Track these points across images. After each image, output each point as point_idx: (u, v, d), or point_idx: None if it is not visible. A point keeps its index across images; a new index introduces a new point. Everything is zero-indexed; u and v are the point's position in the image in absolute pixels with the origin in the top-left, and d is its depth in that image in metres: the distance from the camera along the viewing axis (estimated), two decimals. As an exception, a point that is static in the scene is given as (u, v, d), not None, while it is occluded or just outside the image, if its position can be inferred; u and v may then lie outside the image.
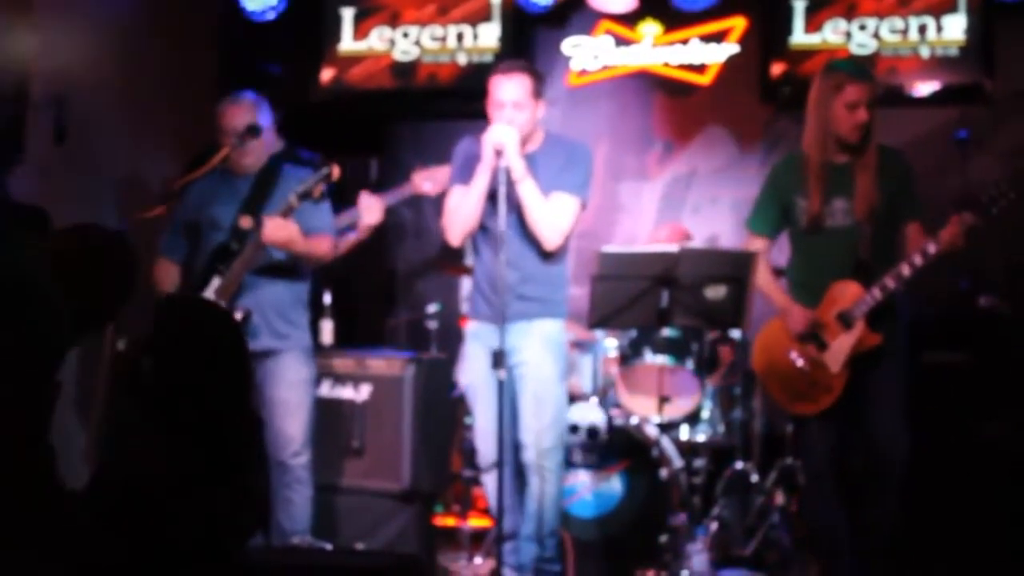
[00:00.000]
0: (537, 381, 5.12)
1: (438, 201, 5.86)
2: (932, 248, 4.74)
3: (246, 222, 5.28)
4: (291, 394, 5.36)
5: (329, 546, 5.35)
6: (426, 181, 6.06)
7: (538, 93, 5.15)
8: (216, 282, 5.30)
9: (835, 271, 4.96)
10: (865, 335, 4.88)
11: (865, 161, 4.94)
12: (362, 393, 5.93)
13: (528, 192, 5.03)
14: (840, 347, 4.90)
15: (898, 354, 4.96)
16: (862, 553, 4.91)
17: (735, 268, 5.03)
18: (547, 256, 5.15)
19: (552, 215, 5.08)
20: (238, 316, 5.24)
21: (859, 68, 5.15)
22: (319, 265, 5.49)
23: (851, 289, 4.91)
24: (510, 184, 4.98)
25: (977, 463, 5.53)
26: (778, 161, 5.32)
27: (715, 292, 4.97)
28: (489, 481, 5.21)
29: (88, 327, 3.03)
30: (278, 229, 5.16)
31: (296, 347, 5.41)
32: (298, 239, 5.22)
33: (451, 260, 6.52)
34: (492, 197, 5.00)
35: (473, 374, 5.27)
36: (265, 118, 5.48)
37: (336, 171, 5.19)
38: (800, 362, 5.00)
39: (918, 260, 4.76)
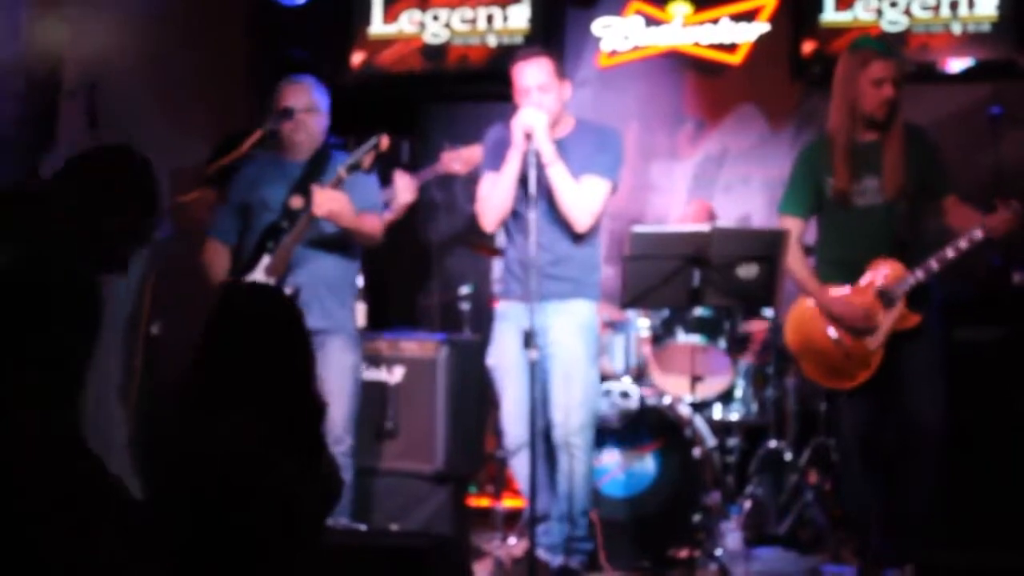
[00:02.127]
0: (567, 360, 5.12)
1: (468, 180, 5.87)
2: (979, 234, 4.75)
3: (297, 202, 5.27)
4: (335, 381, 5.30)
5: (364, 527, 5.37)
6: (455, 161, 6.07)
7: (561, 74, 5.16)
8: (266, 260, 5.29)
9: (870, 249, 4.97)
10: (905, 314, 4.89)
11: (892, 139, 4.94)
12: (395, 375, 5.95)
13: (558, 175, 5.03)
14: (881, 325, 4.91)
15: (933, 332, 4.96)
16: (899, 530, 4.90)
17: (767, 247, 5.02)
18: (578, 238, 5.15)
19: (582, 198, 5.09)
20: (288, 292, 5.24)
21: (885, 45, 5.15)
22: (370, 244, 5.47)
23: (893, 267, 4.91)
24: (540, 168, 4.98)
25: (1012, 437, 5.50)
26: (805, 143, 5.33)
27: (747, 271, 4.96)
28: (517, 463, 5.21)
29: (120, 250, 3.05)
30: (329, 200, 5.12)
31: (343, 331, 5.37)
32: (348, 210, 5.18)
33: (481, 239, 6.52)
34: (523, 181, 5.00)
35: (503, 355, 5.26)
36: (322, 102, 5.49)
37: (385, 141, 5.17)
38: (837, 337, 4.99)
39: (964, 244, 4.78)
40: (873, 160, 4.96)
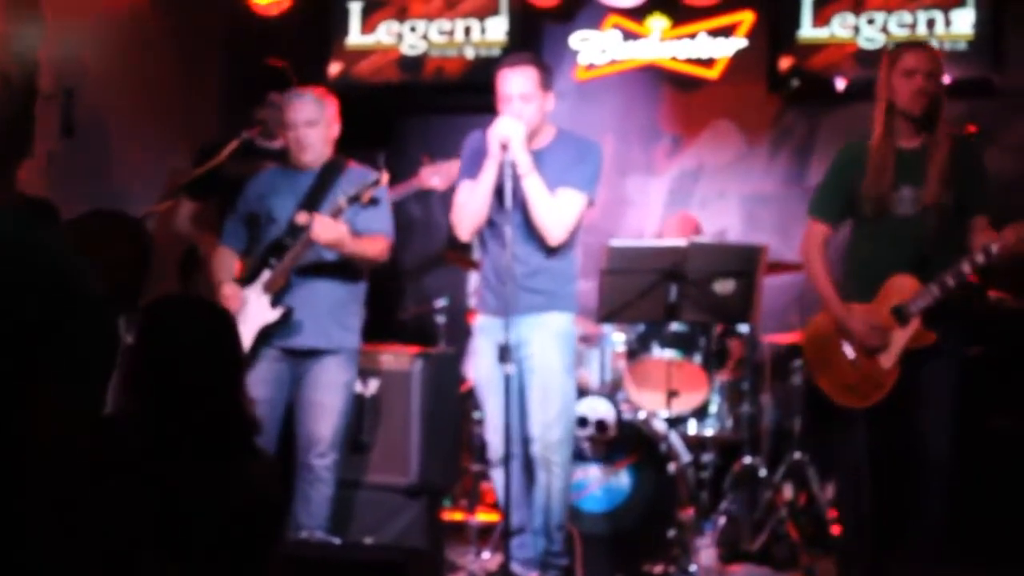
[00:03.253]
0: (545, 374, 5.10)
1: (446, 195, 5.85)
2: (995, 248, 4.56)
3: (303, 218, 5.27)
4: (326, 397, 5.34)
5: (337, 540, 5.35)
6: (434, 176, 6.05)
7: (546, 84, 5.12)
8: (266, 275, 5.33)
9: (896, 262, 4.79)
10: (920, 332, 4.73)
11: (937, 145, 4.78)
12: (370, 387, 5.92)
13: (533, 187, 4.99)
14: (894, 343, 4.77)
15: (950, 354, 4.80)
16: (908, 554, 4.80)
17: (743, 262, 5.02)
18: (552, 250, 5.11)
19: (556, 210, 5.05)
20: (278, 313, 5.27)
21: (916, 41, 5.07)
22: (374, 265, 5.47)
23: (908, 283, 4.73)
24: (516, 178, 4.96)
25: (986, 454, 5.51)
26: (844, 146, 5.16)
27: (723, 286, 4.96)
28: (499, 476, 5.20)
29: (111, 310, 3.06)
30: (326, 229, 5.16)
31: (341, 350, 5.38)
32: (346, 240, 5.21)
33: (457, 252, 6.50)
34: (500, 191, 4.98)
35: (481, 369, 5.26)
36: (325, 112, 5.47)
37: (385, 178, 5.21)
38: (853, 355, 4.87)
39: (980, 259, 4.58)
40: (915, 168, 4.80)
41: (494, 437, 5.20)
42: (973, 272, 4.64)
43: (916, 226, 4.78)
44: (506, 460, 4.94)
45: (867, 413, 4.85)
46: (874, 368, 4.82)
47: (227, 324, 3.03)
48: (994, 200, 4.89)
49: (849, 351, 4.88)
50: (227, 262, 5.53)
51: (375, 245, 5.35)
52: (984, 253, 4.60)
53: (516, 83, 5.06)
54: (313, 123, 5.41)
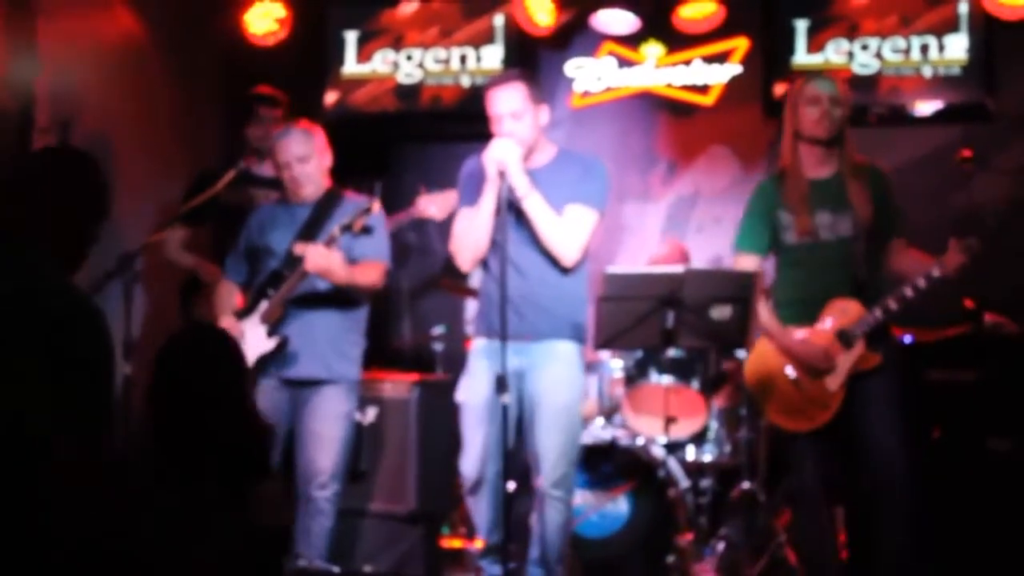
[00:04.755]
0: (553, 408, 4.96)
1: (443, 222, 5.84)
2: (937, 272, 4.71)
3: (299, 249, 5.28)
4: (326, 427, 5.33)
5: (336, 569, 5.34)
6: (431, 205, 6.05)
7: (536, 98, 4.97)
8: (263, 305, 5.35)
9: (827, 288, 4.91)
10: (865, 354, 4.85)
11: (851, 174, 4.92)
12: (368, 416, 5.93)
13: (535, 207, 4.86)
14: (840, 366, 4.88)
15: (893, 372, 4.91)
16: (880, 570, 4.84)
17: (740, 288, 5.02)
18: (563, 271, 4.97)
19: (566, 229, 4.91)
20: (274, 342, 5.29)
21: (819, 73, 5.20)
22: (369, 293, 5.47)
23: (851, 307, 4.87)
24: (517, 200, 4.85)
25: (985, 479, 5.51)
26: (758, 183, 5.27)
27: (720, 312, 4.95)
28: (474, 501, 5.09)
29: (69, 249, 3.05)
30: (319, 258, 5.17)
31: (341, 380, 5.39)
32: (338, 269, 5.21)
33: (454, 279, 6.51)
34: (500, 213, 4.82)
35: (475, 394, 5.04)
36: (314, 145, 5.47)
37: (376, 206, 5.20)
38: (796, 378, 4.95)
39: (922, 283, 4.73)
40: (829, 195, 4.93)
41: (470, 463, 5.03)
42: (915, 296, 4.75)
43: (841, 250, 4.91)
44: (478, 484, 4.93)
45: (814, 439, 4.92)
46: (820, 390, 4.90)
47: (228, 340, 3.13)
48: (929, 224, 5.08)
49: (791, 372, 4.96)
50: (229, 295, 5.55)
51: (369, 273, 5.35)
52: (926, 278, 4.73)
53: (504, 101, 4.94)
54: (305, 158, 5.42)
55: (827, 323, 4.90)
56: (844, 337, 4.86)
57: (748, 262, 5.08)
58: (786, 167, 5.01)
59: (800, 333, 4.95)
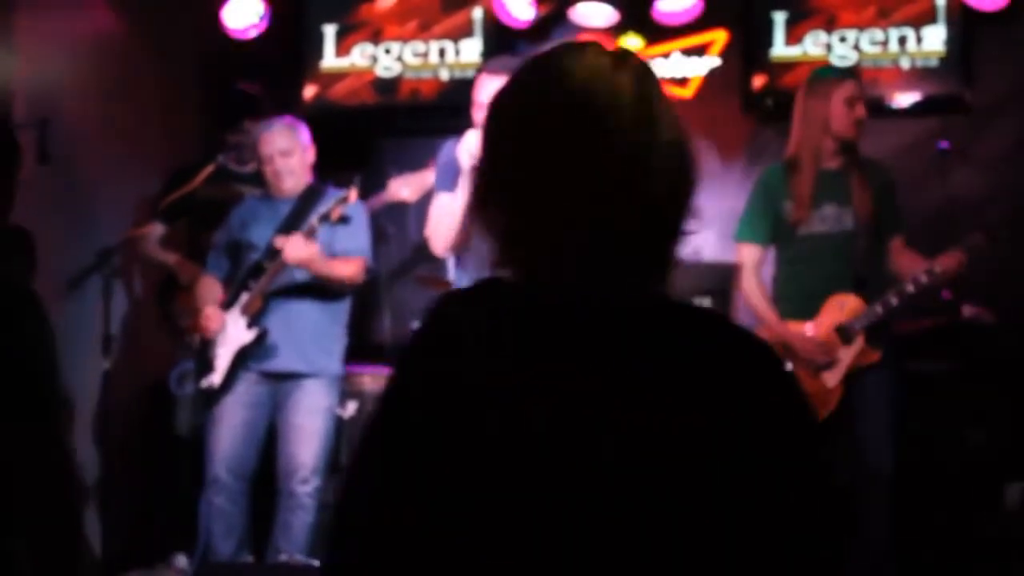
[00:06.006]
0: None
1: (420, 212, 5.84)
2: (939, 268, 4.71)
3: (280, 242, 5.28)
4: (308, 421, 5.33)
5: (317, 563, 5.33)
6: (403, 187, 6.05)
7: None
8: (244, 298, 5.35)
9: (828, 281, 4.91)
10: (865, 351, 4.83)
11: (856, 168, 4.91)
12: (349, 409, 5.92)
13: None
14: (840, 361, 4.84)
15: (890, 370, 4.91)
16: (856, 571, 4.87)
17: (719, 280, 5.03)
18: None
19: None
20: (253, 334, 5.28)
21: (848, 70, 5.18)
22: (348, 287, 5.47)
23: (851, 302, 4.84)
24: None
25: (962, 470, 5.53)
26: (763, 171, 5.25)
27: (700, 304, 4.95)
28: None
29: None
30: (297, 249, 5.18)
31: (323, 374, 5.40)
32: (316, 260, 5.23)
33: (432, 273, 6.50)
34: None
35: None
36: (298, 139, 5.47)
37: (353, 195, 5.20)
38: (793, 374, 4.93)
39: (924, 279, 4.72)
40: (837, 188, 4.91)
41: None
42: (916, 292, 4.75)
43: (843, 243, 4.89)
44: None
45: None
46: (818, 387, 4.87)
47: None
48: (908, 216, 5.05)
49: (788, 367, 4.89)
50: (211, 289, 5.56)
51: (348, 267, 5.35)
52: (928, 274, 4.73)
53: (491, 91, 4.89)
54: (288, 152, 5.42)
55: (827, 317, 4.87)
56: (844, 332, 4.81)
57: (748, 252, 5.06)
58: (798, 157, 4.96)
59: (799, 326, 4.92)
